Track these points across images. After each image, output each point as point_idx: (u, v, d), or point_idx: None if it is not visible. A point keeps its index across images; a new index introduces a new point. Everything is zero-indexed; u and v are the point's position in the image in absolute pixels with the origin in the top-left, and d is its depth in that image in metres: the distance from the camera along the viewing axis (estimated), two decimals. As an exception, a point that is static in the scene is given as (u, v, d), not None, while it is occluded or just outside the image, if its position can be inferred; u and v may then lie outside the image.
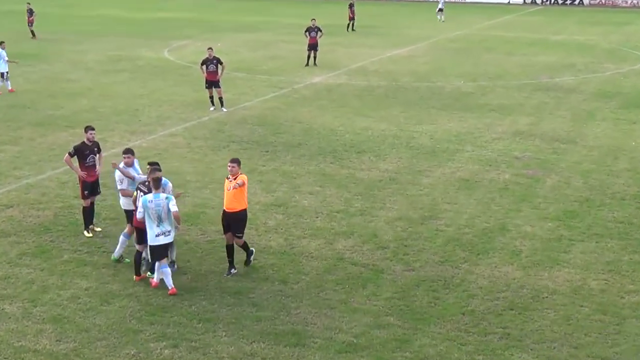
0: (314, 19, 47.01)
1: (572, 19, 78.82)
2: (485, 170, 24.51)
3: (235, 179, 16.60)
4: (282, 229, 19.40)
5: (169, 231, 15.89)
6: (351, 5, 67.15)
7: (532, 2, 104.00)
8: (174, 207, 15.67)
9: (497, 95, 36.92)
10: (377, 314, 15.10)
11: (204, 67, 32.59)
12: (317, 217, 20.24)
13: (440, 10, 76.63)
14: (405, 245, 18.45)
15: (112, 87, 37.37)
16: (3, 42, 38.11)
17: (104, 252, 17.81)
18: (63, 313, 14.97)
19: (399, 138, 28.39)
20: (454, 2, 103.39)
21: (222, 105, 32.56)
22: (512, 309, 15.38)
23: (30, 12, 56.97)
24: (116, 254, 17.38)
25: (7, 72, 36.58)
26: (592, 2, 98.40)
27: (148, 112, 32.07)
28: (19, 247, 18.09)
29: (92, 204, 19.07)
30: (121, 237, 17.31)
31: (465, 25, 71.51)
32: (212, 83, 32.56)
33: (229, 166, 16.72)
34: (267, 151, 26.39)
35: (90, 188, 18.87)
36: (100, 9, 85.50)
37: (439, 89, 38.40)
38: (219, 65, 32.58)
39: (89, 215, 18.99)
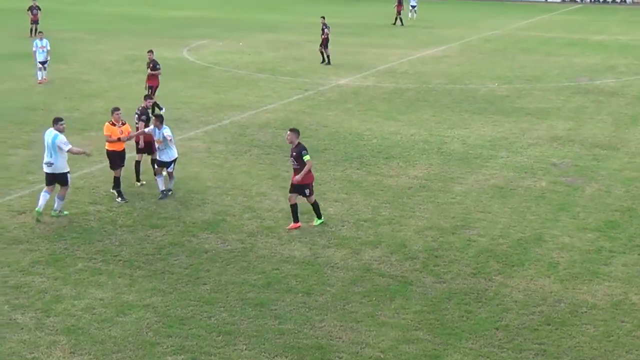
0: (323, 17, 48.34)
1: (614, 18, 78.44)
2: (520, 178, 24.44)
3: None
4: (306, 238, 19.44)
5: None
6: (400, 2, 69.74)
7: (571, 0, 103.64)
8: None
9: (534, 99, 36.82)
10: (406, 328, 15.10)
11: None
12: (343, 226, 20.27)
13: (413, 7, 76.71)
14: (436, 256, 18.43)
15: (129, 88, 37.61)
16: (41, 32, 39.30)
17: (119, 260, 17.92)
18: (77, 324, 15.08)
19: (429, 143, 28.38)
20: (489, 1, 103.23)
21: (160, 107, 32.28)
22: (548, 324, 15.32)
23: (37, 8, 57.44)
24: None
25: (46, 62, 39.31)
26: (635, 0, 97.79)
27: (166, 115, 32.05)
28: (32, 254, 18.23)
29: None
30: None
31: (500, 25, 71.38)
32: (149, 87, 32.66)
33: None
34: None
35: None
36: (118, 6, 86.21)
37: (472, 92, 38.34)
38: (154, 70, 32.70)
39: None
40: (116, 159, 22.00)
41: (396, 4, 71.01)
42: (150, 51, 33.49)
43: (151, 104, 24.66)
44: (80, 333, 14.72)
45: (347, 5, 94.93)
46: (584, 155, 26.97)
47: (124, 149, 22.24)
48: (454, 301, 16.21)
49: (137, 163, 23.36)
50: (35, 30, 53.79)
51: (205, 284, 16.82)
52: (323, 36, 46.85)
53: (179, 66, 45.45)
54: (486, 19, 77.35)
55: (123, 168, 22.27)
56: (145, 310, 15.65)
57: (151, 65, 32.87)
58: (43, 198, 20.26)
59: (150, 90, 32.23)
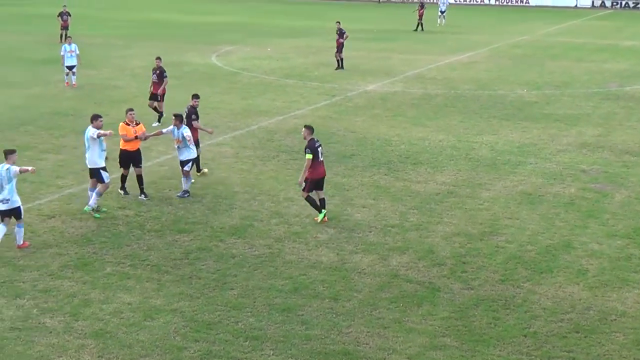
0: (338, 22, 48.20)
1: (644, 23, 77.83)
2: (549, 184, 24.30)
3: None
4: (333, 244, 19.42)
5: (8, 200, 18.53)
6: (422, 6, 69.54)
7: (601, 6, 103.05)
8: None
9: (563, 105, 36.62)
10: (434, 335, 15.04)
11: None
12: (370, 232, 20.24)
13: (442, 12, 76.32)
14: (464, 263, 18.36)
15: (158, 93, 37.75)
16: (70, 37, 39.73)
17: (147, 265, 17.99)
18: (105, 328, 15.15)
19: (457, 149, 28.29)
20: (517, 6, 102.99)
21: (158, 120, 32.15)
22: (577, 332, 15.21)
23: (67, 14, 57.89)
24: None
25: (75, 67, 39.84)
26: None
27: (195, 120, 32.36)
28: (61, 259, 18.35)
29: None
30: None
31: (529, 31, 71.09)
32: (155, 95, 32.35)
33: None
34: (319, 162, 26.44)
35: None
36: (147, 12, 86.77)
37: (501, 98, 38.19)
38: (161, 77, 32.31)
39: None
40: (126, 158, 22.50)
41: (418, 8, 70.84)
42: (158, 58, 33.15)
43: (198, 103, 25.10)
44: (108, 337, 14.79)
45: (373, 11, 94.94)
46: (613, 162, 26.77)
47: (138, 149, 22.67)
48: (481, 308, 16.14)
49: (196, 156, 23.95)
50: (65, 35, 54.18)
51: (233, 289, 16.85)
52: (341, 40, 46.80)
53: (208, 72, 45.64)
54: (515, 25, 77.04)
55: (142, 168, 22.81)
56: (172, 314, 15.70)
57: (158, 72, 32.42)
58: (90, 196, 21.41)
59: (160, 97, 32.14)
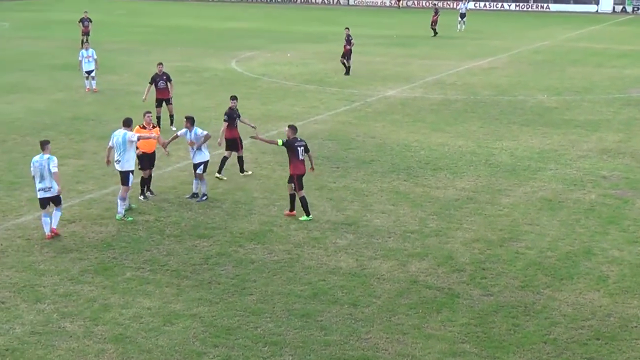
0: (347, 28, 48.28)
1: (665, 29, 77.44)
2: (569, 190, 24.19)
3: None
4: (352, 249, 19.40)
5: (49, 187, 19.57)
6: (436, 11, 69.68)
7: (622, 11, 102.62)
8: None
9: (583, 110, 36.46)
10: (453, 341, 14.99)
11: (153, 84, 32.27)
12: (389, 238, 20.20)
13: (462, 17, 76.01)
14: (483, 269, 18.29)
15: (178, 99, 37.74)
16: (87, 43, 39.92)
17: (167, 270, 18.03)
18: (125, 333, 15.19)
19: (477, 155, 28.21)
20: (537, 12, 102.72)
21: (171, 123, 32.27)
22: (598, 339, 15.11)
23: (88, 20, 58.20)
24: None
25: (93, 71, 40.02)
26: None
27: (214, 126, 32.31)
28: (81, 263, 18.42)
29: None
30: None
31: (550, 36, 70.87)
32: (164, 101, 32.40)
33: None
34: (338, 167, 26.45)
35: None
36: (168, 18, 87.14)
37: (521, 104, 38.07)
38: (168, 82, 32.32)
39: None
40: (145, 160, 22.72)
41: (433, 13, 70.90)
42: (160, 64, 33.06)
43: (235, 104, 25.70)
44: (127, 342, 14.82)
45: (393, 16, 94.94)
46: (634, 168, 26.61)
47: (154, 152, 23.06)
48: (501, 314, 16.07)
49: (225, 159, 25.13)
50: (86, 41, 54.47)
51: (252, 294, 16.85)
52: (348, 47, 46.78)
53: (228, 77, 45.75)
54: (535, 30, 76.79)
55: (152, 169, 23.28)
56: (192, 319, 15.72)
57: (164, 77, 32.42)
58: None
59: (166, 102, 32.21)
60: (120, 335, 15.08)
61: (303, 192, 21.40)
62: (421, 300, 16.66)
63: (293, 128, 21.84)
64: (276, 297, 16.75)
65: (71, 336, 15.03)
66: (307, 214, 21.37)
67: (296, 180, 21.38)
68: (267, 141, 23.50)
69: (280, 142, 21.68)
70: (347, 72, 46.73)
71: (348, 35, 47.01)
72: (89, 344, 14.74)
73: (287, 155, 21.62)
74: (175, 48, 59.01)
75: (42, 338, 14.92)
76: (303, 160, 21.50)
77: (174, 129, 31.68)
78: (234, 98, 25.98)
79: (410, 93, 40.88)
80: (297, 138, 21.58)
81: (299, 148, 21.38)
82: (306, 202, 21.39)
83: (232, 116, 25.34)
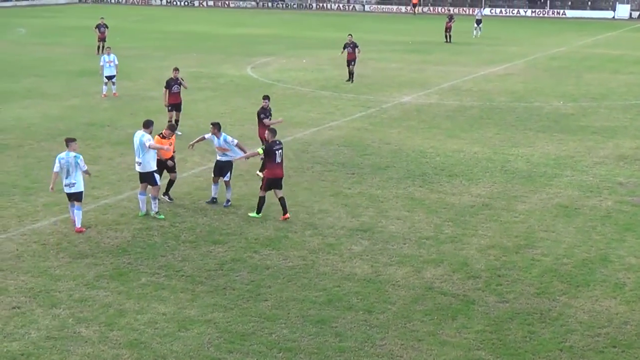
0: (350, 34, 47.96)
1: (683, 35, 77.15)
2: (585, 197, 24.12)
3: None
4: (367, 256, 19.40)
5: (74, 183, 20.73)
6: (451, 18, 69.73)
7: (639, 17, 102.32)
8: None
9: (600, 117, 36.37)
10: (468, 348, 14.96)
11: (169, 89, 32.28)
12: (404, 244, 20.19)
13: (478, 23, 75.96)
14: (499, 275, 18.25)
15: (193, 105, 37.97)
16: (109, 47, 40.24)
17: (182, 276, 18.07)
18: (140, 338, 15.23)
19: (492, 161, 28.17)
20: (554, 18, 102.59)
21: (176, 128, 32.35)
22: (614, 346, 15.05)
23: (104, 26, 58.49)
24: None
25: (114, 77, 40.56)
26: None
27: (229, 132, 32.27)
28: (96, 269, 18.48)
29: None
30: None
31: (566, 42, 70.74)
32: (175, 106, 32.44)
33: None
34: (353, 173, 26.46)
35: None
36: (183, 24, 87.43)
37: (537, 110, 38.00)
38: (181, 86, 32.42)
39: None
40: (164, 167, 22.80)
41: (446, 20, 70.86)
42: (176, 69, 33.15)
43: (267, 103, 26.78)
44: (142, 347, 14.87)
45: (409, 22, 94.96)
46: (651, 175, 26.54)
47: (169, 158, 22.90)
48: (516, 321, 16.03)
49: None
50: (103, 47, 54.80)
51: (267, 300, 16.87)
52: (357, 54, 46.42)
53: (243, 83, 45.86)
54: (551, 37, 76.68)
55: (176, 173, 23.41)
56: (206, 325, 15.75)
57: (178, 82, 32.50)
58: (141, 202, 22.15)
59: (170, 107, 32.23)
60: (135, 340, 15.13)
61: (265, 193, 21.95)
62: (436, 307, 16.64)
63: (273, 132, 22.33)
64: (291, 303, 16.77)
65: (86, 341, 15.08)
66: (258, 212, 22.10)
67: (265, 182, 21.93)
68: (249, 156, 23.10)
69: (260, 150, 22.26)
70: (351, 79, 46.35)
71: (353, 42, 46.63)
72: (104, 349, 14.78)
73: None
74: (190, 54, 59.26)
75: (57, 343, 14.98)
76: (280, 164, 21.96)
77: (179, 133, 31.75)
78: (266, 97, 27.12)
79: (426, 99, 40.87)
80: (276, 141, 22.12)
81: (277, 152, 21.86)
82: (263, 203, 22.03)
83: (260, 115, 26.59)
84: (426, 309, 16.56)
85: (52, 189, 21.00)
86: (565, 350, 14.87)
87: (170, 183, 23.27)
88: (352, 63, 46.48)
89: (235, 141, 23.01)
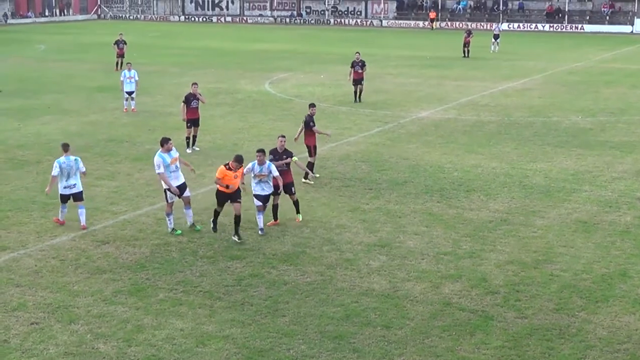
0: (358, 52, 45.82)
1: (702, 49, 76.86)
2: (604, 212, 24.02)
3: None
4: (385, 271, 19.38)
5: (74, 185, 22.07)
6: (469, 33, 69.63)
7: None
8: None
9: (619, 132, 36.24)
10: (486, 364, 14.91)
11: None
12: (422, 259, 20.16)
13: (496, 38, 75.84)
14: (517, 291, 18.19)
15: (211, 120, 38.11)
16: (129, 63, 40.59)
17: (200, 291, 18.10)
18: (158, 354, 15.25)
19: (511, 176, 28.11)
20: (572, 32, 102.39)
21: (193, 143, 32.49)
22: (634, 363, 14.97)
23: (123, 43, 58.85)
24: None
25: (134, 92, 40.90)
26: None
27: (247, 147, 32.50)
28: (115, 284, 18.55)
29: None
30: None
31: (584, 57, 70.58)
32: (193, 121, 32.37)
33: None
34: (371, 189, 26.46)
35: None
36: (201, 40, 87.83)
37: (555, 125, 37.90)
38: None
39: None
40: (224, 198, 21.70)
41: (465, 35, 70.70)
42: (195, 84, 33.05)
43: (315, 111, 28.09)
44: (160, 363, 14.89)
45: (427, 37, 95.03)
46: (671, 190, 26.39)
47: (238, 189, 21.65)
48: (535, 337, 15.96)
49: (310, 164, 27.33)
50: (121, 63, 55.12)
51: (285, 316, 16.87)
52: (364, 72, 44.50)
53: (261, 99, 45.98)
54: (569, 51, 76.54)
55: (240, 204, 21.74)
56: (224, 341, 15.76)
57: (196, 97, 32.57)
58: (188, 217, 22.47)
59: (189, 123, 32.23)
60: (153, 356, 15.15)
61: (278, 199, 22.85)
62: (455, 323, 16.59)
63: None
64: (309, 318, 16.76)
65: (104, 357, 15.12)
66: (297, 212, 23.24)
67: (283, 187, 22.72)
68: (286, 163, 23.39)
69: (295, 158, 23.58)
70: (359, 98, 44.66)
71: (362, 60, 44.39)
72: (122, 365, 14.82)
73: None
74: (208, 70, 59.51)
75: (75, 359, 15.03)
76: (283, 172, 22.70)
77: (197, 149, 32.06)
78: (312, 105, 28.21)
79: (444, 114, 40.85)
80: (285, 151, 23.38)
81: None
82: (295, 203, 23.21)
83: (308, 123, 27.58)
84: (444, 324, 16.52)
85: (48, 191, 22.40)
86: (584, 367, 14.79)
87: (236, 221, 21.50)
88: (361, 82, 44.46)
89: (277, 173, 22.18)
